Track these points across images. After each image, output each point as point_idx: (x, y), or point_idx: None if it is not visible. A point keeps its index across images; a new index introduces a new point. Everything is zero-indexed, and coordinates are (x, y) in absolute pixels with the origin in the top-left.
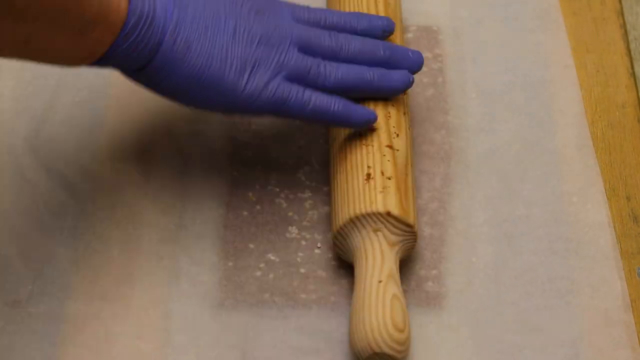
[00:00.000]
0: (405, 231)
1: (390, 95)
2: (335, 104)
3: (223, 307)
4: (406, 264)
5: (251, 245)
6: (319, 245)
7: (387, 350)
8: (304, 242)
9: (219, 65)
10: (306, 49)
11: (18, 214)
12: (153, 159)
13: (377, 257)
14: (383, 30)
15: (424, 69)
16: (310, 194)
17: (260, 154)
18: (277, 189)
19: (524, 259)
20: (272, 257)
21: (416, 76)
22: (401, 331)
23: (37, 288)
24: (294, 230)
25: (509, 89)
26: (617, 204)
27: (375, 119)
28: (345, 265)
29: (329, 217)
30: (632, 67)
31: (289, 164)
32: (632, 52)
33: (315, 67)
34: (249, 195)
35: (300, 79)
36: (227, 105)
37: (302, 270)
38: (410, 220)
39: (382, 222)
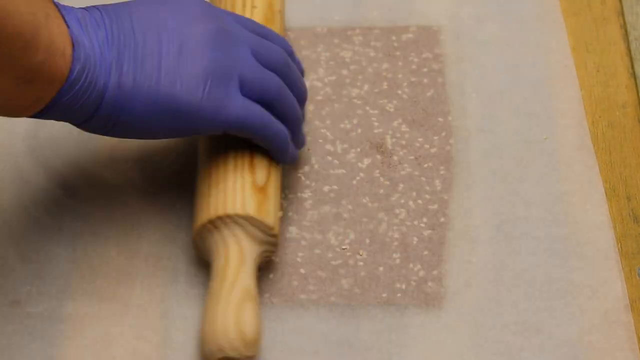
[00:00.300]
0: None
1: (280, 158)
2: (285, 132)
3: None
4: (405, 265)
5: None
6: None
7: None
8: (303, 242)
9: (169, 90)
10: (259, 58)
11: (17, 214)
12: (152, 160)
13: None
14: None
15: (423, 69)
16: (310, 194)
17: None
18: None
19: (523, 260)
20: (272, 257)
21: (416, 76)
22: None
23: (35, 288)
24: (294, 230)
25: (509, 89)
26: (617, 204)
27: (296, 160)
28: (345, 266)
29: (329, 217)
30: (633, 67)
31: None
32: (633, 52)
33: (269, 79)
34: None
35: (255, 89)
36: (189, 128)
37: (302, 271)
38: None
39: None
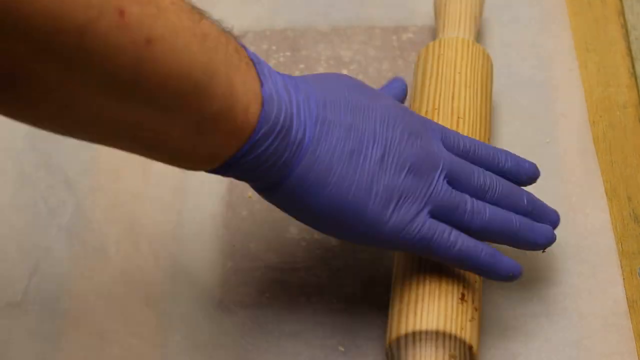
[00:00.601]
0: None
1: (528, 249)
2: (483, 251)
3: (220, 308)
4: None
5: (250, 245)
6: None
7: None
8: (303, 243)
9: (363, 195)
10: (454, 183)
11: (17, 210)
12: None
13: None
14: (528, 176)
15: None
16: None
17: None
18: None
19: (522, 263)
20: (272, 258)
21: None
22: None
23: (33, 285)
24: (294, 230)
25: (511, 90)
26: (618, 204)
27: (520, 274)
28: (345, 267)
29: None
30: (633, 67)
31: None
32: (633, 52)
33: (463, 205)
34: (248, 195)
35: (445, 214)
36: (367, 238)
37: (302, 272)
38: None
39: (458, 350)
